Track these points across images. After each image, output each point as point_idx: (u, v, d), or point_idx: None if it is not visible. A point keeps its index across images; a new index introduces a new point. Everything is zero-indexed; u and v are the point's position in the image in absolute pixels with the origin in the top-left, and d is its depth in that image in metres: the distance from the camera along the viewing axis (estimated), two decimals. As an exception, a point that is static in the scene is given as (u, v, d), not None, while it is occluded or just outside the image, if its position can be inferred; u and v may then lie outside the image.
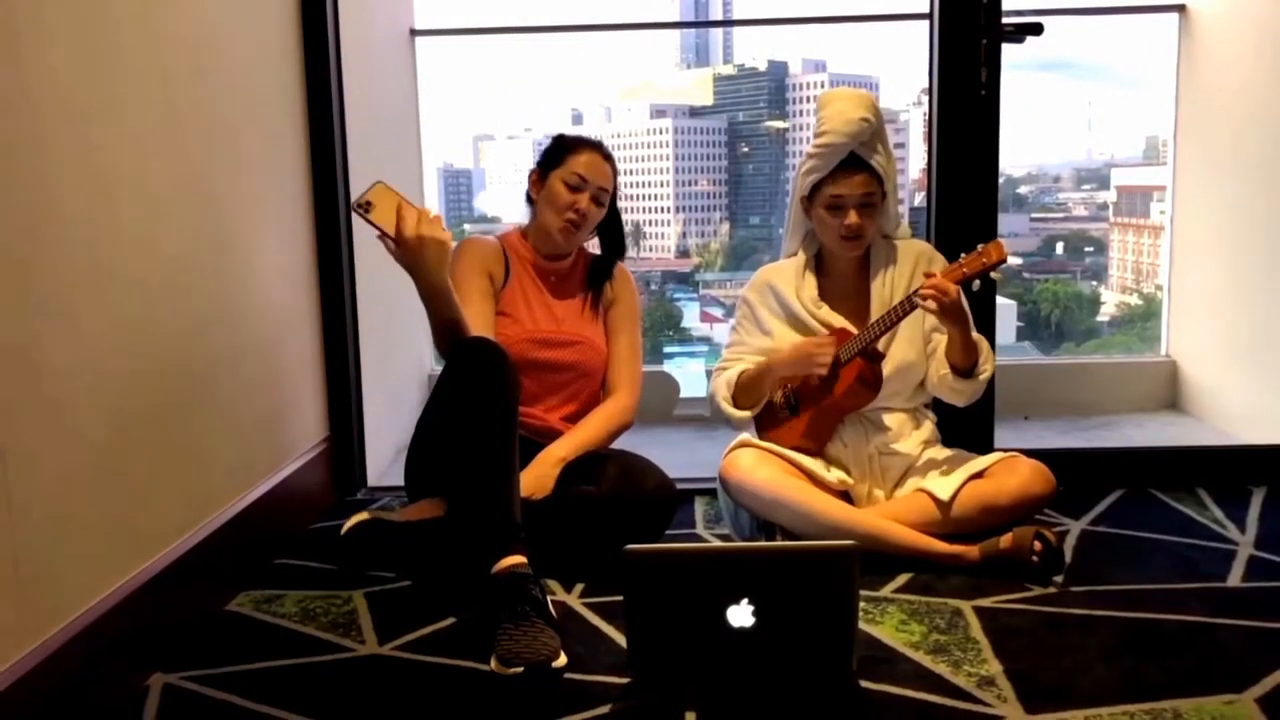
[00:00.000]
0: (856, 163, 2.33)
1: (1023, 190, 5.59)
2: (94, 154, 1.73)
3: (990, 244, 2.18)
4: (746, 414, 2.43)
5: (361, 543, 2.18)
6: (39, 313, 1.58)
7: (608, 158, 2.42)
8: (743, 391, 2.43)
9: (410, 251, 1.97)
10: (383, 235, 1.99)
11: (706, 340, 5.16)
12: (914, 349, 2.37)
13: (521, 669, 1.72)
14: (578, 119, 5.73)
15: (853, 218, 2.33)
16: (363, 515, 2.21)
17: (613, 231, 2.50)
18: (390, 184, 2.00)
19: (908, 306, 2.23)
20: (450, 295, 2.05)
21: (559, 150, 2.41)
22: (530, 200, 2.46)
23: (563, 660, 1.76)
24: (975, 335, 2.29)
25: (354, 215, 2.01)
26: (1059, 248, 5.62)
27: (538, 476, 2.22)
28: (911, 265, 2.41)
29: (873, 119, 2.33)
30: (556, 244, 2.41)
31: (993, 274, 2.19)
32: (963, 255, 2.20)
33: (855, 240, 2.36)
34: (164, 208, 1.96)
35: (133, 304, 1.84)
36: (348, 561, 2.22)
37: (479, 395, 2.00)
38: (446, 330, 2.07)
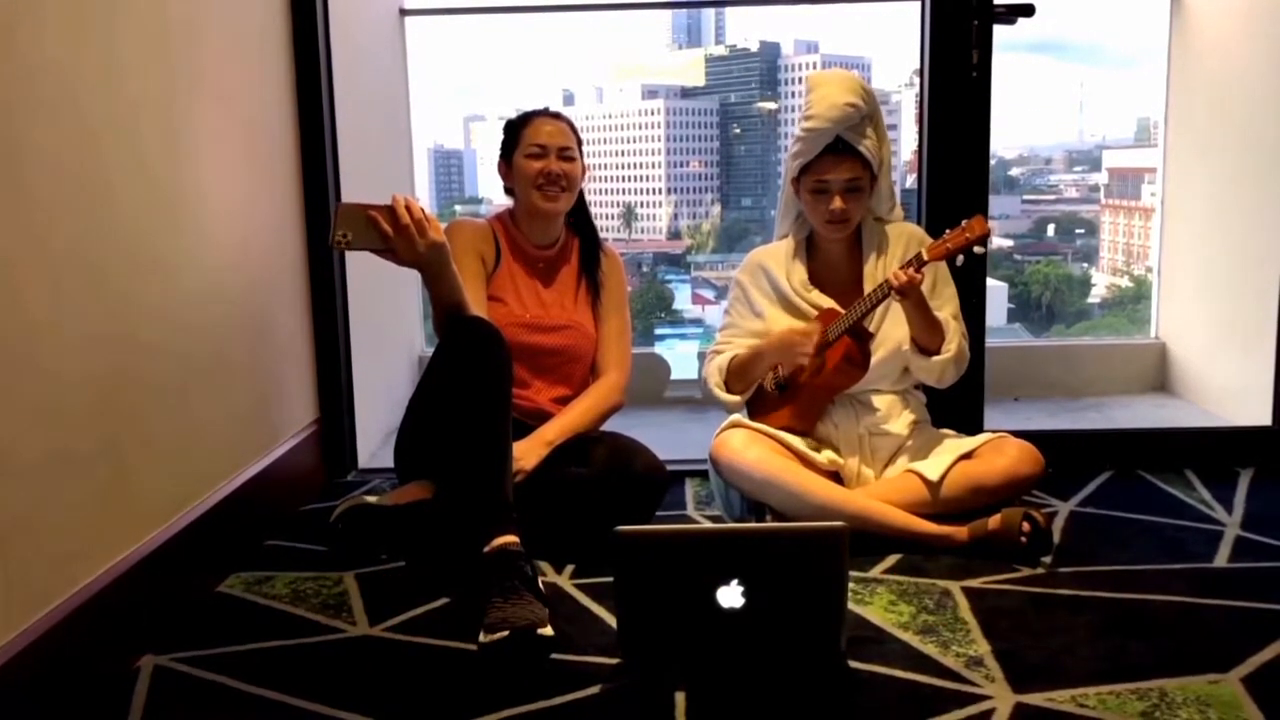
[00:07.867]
0: (843, 147, 2.32)
1: (1014, 172, 5.57)
2: (85, 138, 1.72)
3: (973, 219, 2.18)
4: (738, 399, 2.45)
5: (350, 530, 2.19)
6: (27, 296, 1.57)
7: (558, 116, 2.42)
8: (734, 377, 2.44)
9: (419, 266, 2.03)
10: (374, 251, 2.02)
11: (698, 322, 5.15)
12: (904, 332, 2.37)
13: (506, 633, 1.72)
14: (569, 99, 5.70)
15: (837, 202, 2.32)
16: (350, 501, 2.21)
17: (581, 217, 2.51)
18: (346, 199, 1.99)
19: (884, 291, 2.23)
20: (456, 280, 2.08)
21: (512, 131, 2.43)
22: (509, 191, 2.46)
23: (549, 630, 1.76)
24: (942, 317, 2.30)
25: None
26: (1050, 229, 5.62)
27: (525, 452, 2.22)
28: (903, 248, 2.41)
29: (861, 104, 2.32)
30: (545, 216, 2.41)
31: (977, 249, 2.18)
32: (947, 231, 2.21)
33: (840, 224, 2.36)
34: (153, 191, 1.94)
35: (121, 287, 1.83)
36: (338, 549, 2.22)
37: (473, 374, 2.01)
38: (449, 311, 2.09)
